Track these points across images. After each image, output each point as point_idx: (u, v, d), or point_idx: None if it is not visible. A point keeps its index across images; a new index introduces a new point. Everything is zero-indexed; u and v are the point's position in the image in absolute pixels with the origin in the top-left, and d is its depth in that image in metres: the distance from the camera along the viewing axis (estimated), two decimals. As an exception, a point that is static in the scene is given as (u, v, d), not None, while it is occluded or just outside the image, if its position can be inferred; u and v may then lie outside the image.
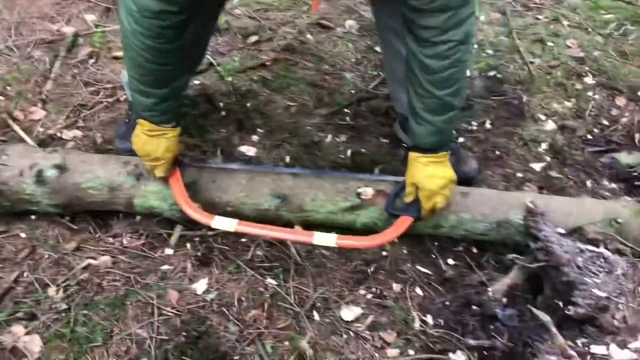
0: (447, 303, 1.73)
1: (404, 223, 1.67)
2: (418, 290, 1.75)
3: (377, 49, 2.55)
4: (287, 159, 2.06)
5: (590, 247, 1.61)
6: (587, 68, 2.55)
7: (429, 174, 1.62)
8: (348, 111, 2.28)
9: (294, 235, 1.73)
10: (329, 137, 2.16)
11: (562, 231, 1.65)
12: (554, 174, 2.09)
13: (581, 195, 2.00)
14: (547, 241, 1.57)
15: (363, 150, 2.13)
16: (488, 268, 1.81)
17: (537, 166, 2.11)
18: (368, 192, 1.75)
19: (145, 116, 1.64)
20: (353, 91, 2.37)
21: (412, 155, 1.66)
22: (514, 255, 1.66)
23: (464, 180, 2.00)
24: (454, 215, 1.75)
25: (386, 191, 1.75)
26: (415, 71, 1.53)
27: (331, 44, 2.59)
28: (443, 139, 1.64)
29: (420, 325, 1.67)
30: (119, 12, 1.50)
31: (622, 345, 1.43)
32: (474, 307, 1.69)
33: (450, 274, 1.79)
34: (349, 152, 2.11)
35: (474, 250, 1.86)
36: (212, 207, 1.76)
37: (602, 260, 1.58)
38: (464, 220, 1.75)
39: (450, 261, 1.83)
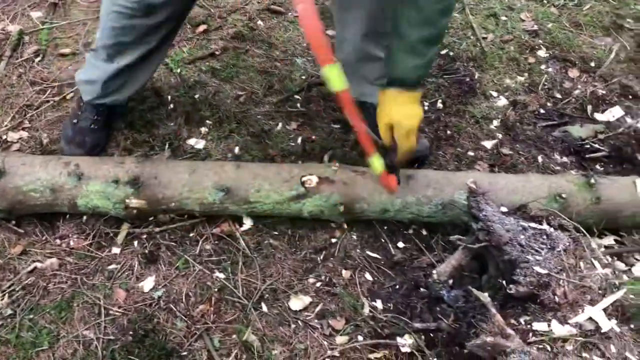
0: (397, 287, 1.73)
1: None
2: (368, 276, 1.75)
3: (330, 32, 2.52)
4: (236, 149, 2.04)
5: (533, 225, 1.61)
6: (540, 41, 2.53)
7: (407, 112, 1.58)
8: (299, 97, 2.25)
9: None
10: (280, 125, 2.14)
11: (505, 210, 1.65)
12: (505, 150, 2.08)
13: (532, 171, 2.00)
14: (488, 221, 1.56)
15: (314, 137, 2.11)
16: (437, 250, 1.81)
17: (488, 144, 2.10)
18: (312, 180, 1.74)
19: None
20: (304, 77, 2.34)
21: (391, 93, 1.61)
22: (457, 236, 1.65)
23: (416, 159, 2.00)
24: (399, 199, 1.74)
25: (331, 178, 1.74)
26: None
27: (282, 30, 2.55)
28: (426, 74, 1.66)
29: (370, 311, 1.67)
30: None
31: (563, 320, 1.44)
32: (422, 290, 1.70)
33: (400, 257, 1.79)
34: (299, 140, 2.09)
35: (424, 232, 1.86)
36: (157, 204, 1.74)
37: (544, 237, 1.58)
38: (409, 204, 1.75)
39: (400, 244, 1.83)
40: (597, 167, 2.05)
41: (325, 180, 1.74)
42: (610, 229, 1.83)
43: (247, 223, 1.84)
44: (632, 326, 1.41)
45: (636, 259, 1.77)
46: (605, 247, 1.80)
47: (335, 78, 1.40)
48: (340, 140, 2.09)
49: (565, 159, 2.07)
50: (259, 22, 2.57)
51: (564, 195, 1.72)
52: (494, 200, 1.71)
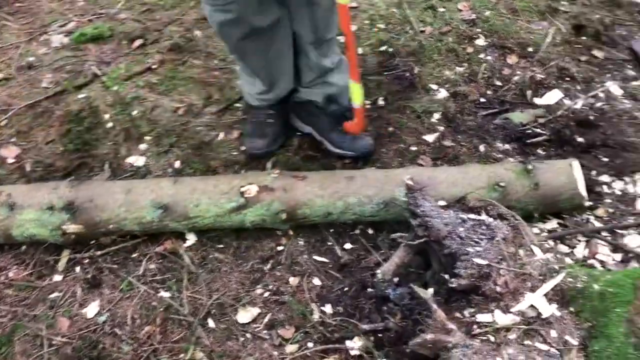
0: (345, 289, 1.72)
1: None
2: (316, 281, 1.74)
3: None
4: (177, 164, 2.01)
5: (472, 216, 1.61)
6: (478, 30, 2.54)
7: None
8: (240, 105, 2.23)
9: None
10: (221, 135, 2.12)
11: (443, 203, 1.65)
12: (447, 143, 2.09)
13: (474, 161, 2.01)
14: (426, 216, 1.56)
15: (256, 144, 2.09)
16: (384, 248, 1.80)
17: (430, 137, 2.11)
18: (252, 189, 1.72)
19: None
20: (244, 84, 2.32)
21: None
22: (398, 234, 1.65)
23: (359, 157, 2.00)
24: (340, 201, 1.73)
25: (270, 186, 1.72)
26: None
27: (220, 38, 2.52)
28: None
29: (319, 316, 1.66)
30: None
31: (506, 309, 1.44)
32: (370, 290, 1.69)
33: (347, 259, 1.78)
34: (242, 148, 2.07)
35: (370, 231, 1.85)
36: (95, 227, 1.71)
37: (484, 227, 1.58)
38: (351, 205, 1.74)
39: (348, 246, 1.82)
40: (539, 151, 2.06)
41: (265, 189, 1.72)
42: (553, 212, 1.84)
43: (191, 238, 1.82)
44: (571, 309, 1.42)
45: (579, 241, 1.79)
46: (549, 231, 1.81)
47: None
48: (281, 146, 2.07)
49: (507, 146, 2.08)
50: (197, 31, 2.54)
51: (502, 184, 1.72)
52: (434, 194, 1.71)
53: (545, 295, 1.46)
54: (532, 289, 1.48)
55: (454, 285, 1.49)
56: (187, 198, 1.71)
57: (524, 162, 1.77)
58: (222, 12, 1.69)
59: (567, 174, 1.76)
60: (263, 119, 2.03)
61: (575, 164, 1.78)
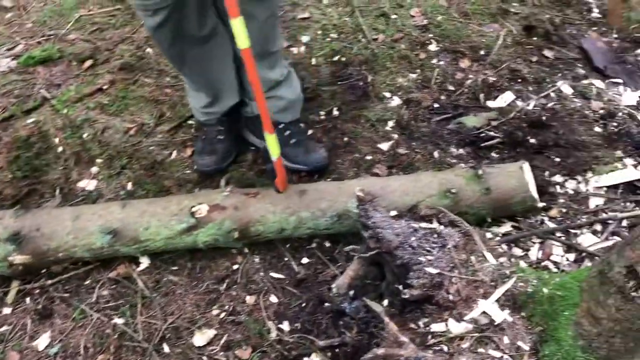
0: (303, 305, 1.71)
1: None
2: (273, 298, 1.72)
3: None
4: (129, 186, 1.98)
5: (423, 225, 1.60)
6: (431, 35, 2.55)
7: None
8: (192, 122, 2.20)
9: None
10: (174, 154, 2.09)
11: (394, 213, 1.64)
12: (401, 150, 2.08)
13: (429, 168, 2.01)
14: (377, 227, 1.55)
15: (210, 161, 2.07)
16: (341, 260, 1.79)
17: (385, 146, 2.10)
18: (202, 209, 1.69)
19: None
20: (197, 100, 2.29)
21: None
22: (351, 247, 1.64)
23: (314, 170, 1.99)
24: (293, 216, 1.72)
25: (221, 204, 1.70)
26: None
27: (172, 54, 2.49)
28: None
29: (277, 334, 1.63)
30: None
31: (459, 318, 1.44)
32: (327, 305, 1.67)
33: (304, 273, 1.77)
34: (195, 167, 2.04)
35: (327, 244, 1.84)
36: (43, 256, 1.67)
37: (435, 235, 1.57)
38: (304, 219, 1.72)
39: (305, 260, 1.80)
40: (493, 154, 2.08)
41: (216, 208, 1.70)
42: (507, 216, 1.85)
43: (144, 262, 1.79)
44: (523, 314, 1.42)
45: (533, 243, 1.80)
46: (503, 234, 1.82)
47: (240, 34, 1.45)
48: (236, 162, 2.05)
49: (461, 150, 2.09)
50: (148, 49, 2.51)
51: (453, 190, 1.72)
52: (387, 204, 1.71)
53: (497, 301, 1.46)
54: (485, 296, 1.47)
55: (406, 296, 1.48)
56: (137, 221, 1.68)
57: (474, 167, 1.78)
58: (152, 17, 1.67)
59: (518, 177, 1.77)
60: (213, 135, 2.01)
61: (526, 166, 1.79)
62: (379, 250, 1.55)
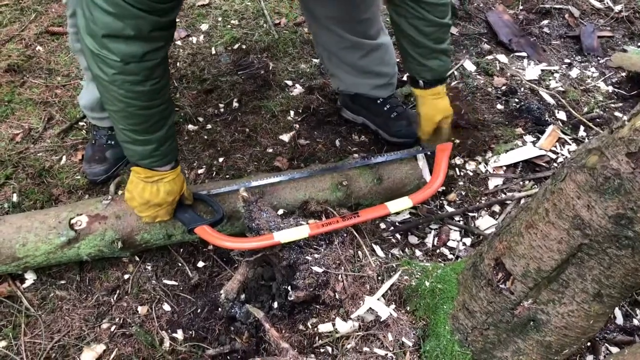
0: (198, 311, 1.65)
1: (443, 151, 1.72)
2: (166, 306, 1.65)
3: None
4: (15, 197, 1.87)
5: (312, 221, 1.56)
6: (336, 17, 2.48)
7: (447, 104, 1.71)
8: (84, 124, 2.09)
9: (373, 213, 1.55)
10: (64, 159, 1.98)
11: (282, 212, 1.60)
12: (302, 141, 2.03)
13: (330, 158, 1.97)
14: (260, 229, 1.50)
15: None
16: (238, 261, 1.74)
17: (286, 137, 2.04)
18: (82, 220, 1.61)
19: (145, 164, 1.45)
20: (89, 100, 2.18)
21: (431, 91, 1.68)
22: (235, 251, 1.59)
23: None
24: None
25: (102, 214, 1.62)
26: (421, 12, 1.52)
27: (64, 52, 2.36)
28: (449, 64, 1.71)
29: (170, 344, 1.58)
30: (88, 64, 1.27)
31: (346, 316, 1.41)
32: (221, 309, 1.62)
33: (199, 278, 1.71)
34: (84, 175, 1.94)
35: (223, 245, 1.78)
36: None
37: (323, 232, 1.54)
38: (193, 223, 1.66)
39: (200, 264, 1.74)
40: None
41: (97, 218, 1.62)
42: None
43: (30, 278, 1.69)
44: (407, 308, 1.40)
45: (430, 229, 1.78)
46: (400, 222, 1.79)
47: None
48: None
49: (363, 137, 2.05)
50: (38, 47, 2.37)
51: (344, 183, 1.68)
52: (277, 202, 1.66)
53: (384, 296, 1.44)
54: (371, 292, 1.45)
55: (292, 298, 1.44)
56: (13, 238, 1.58)
57: (365, 157, 1.74)
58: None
59: (411, 163, 1.74)
60: (104, 141, 1.91)
61: (419, 154, 1.76)
62: (262, 253, 1.50)
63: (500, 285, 1.17)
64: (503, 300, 1.17)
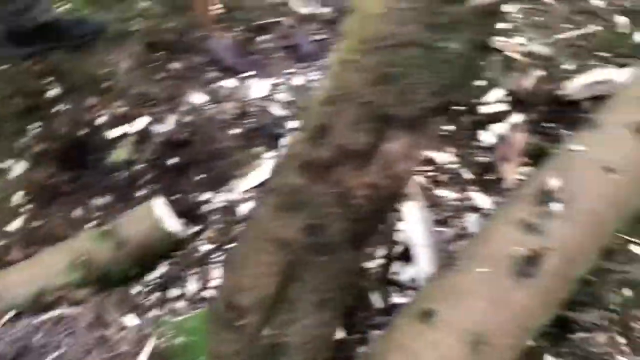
0: None
1: None
2: None
3: None
4: None
5: (48, 315, 1.41)
6: (52, 78, 2.31)
7: None
8: None
9: None
10: None
11: (11, 315, 1.42)
12: (37, 222, 1.84)
13: (74, 231, 1.81)
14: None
15: None
16: None
17: (14, 225, 1.84)
18: None
19: None
20: None
21: None
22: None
23: None
24: None
25: None
26: None
27: None
28: None
29: None
30: None
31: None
32: None
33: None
34: None
35: None
36: None
37: (64, 321, 1.40)
38: None
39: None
40: (145, 191, 1.94)
41: None
42: (161, 257, 1.73)
43: None
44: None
45: (192, 274, 1.72)
46: (158, 279, 1.70)
47: None
48: None
49: (107, 198, 1.90)
50: None
51: (83, 258, 1.55)
52: (11, 303, 1.48)
53: (146, 365, 1.35)
54: (131, 368, 1.35)
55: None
56: None
57: (100, 224, 1.63)
58: None
59: (149, 218, 1.65)
60: None
61: (155, 203, 1.68)
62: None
63: (236, 323, 1.15)
64: (244, 336, 1.15)
